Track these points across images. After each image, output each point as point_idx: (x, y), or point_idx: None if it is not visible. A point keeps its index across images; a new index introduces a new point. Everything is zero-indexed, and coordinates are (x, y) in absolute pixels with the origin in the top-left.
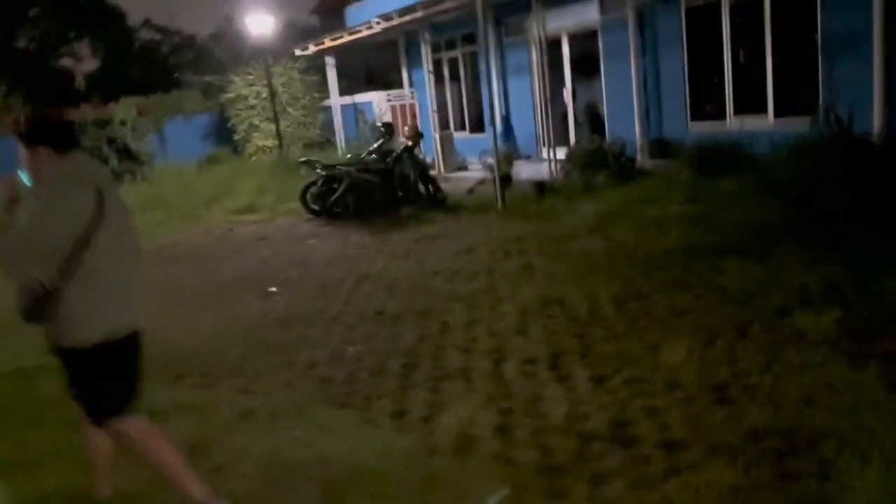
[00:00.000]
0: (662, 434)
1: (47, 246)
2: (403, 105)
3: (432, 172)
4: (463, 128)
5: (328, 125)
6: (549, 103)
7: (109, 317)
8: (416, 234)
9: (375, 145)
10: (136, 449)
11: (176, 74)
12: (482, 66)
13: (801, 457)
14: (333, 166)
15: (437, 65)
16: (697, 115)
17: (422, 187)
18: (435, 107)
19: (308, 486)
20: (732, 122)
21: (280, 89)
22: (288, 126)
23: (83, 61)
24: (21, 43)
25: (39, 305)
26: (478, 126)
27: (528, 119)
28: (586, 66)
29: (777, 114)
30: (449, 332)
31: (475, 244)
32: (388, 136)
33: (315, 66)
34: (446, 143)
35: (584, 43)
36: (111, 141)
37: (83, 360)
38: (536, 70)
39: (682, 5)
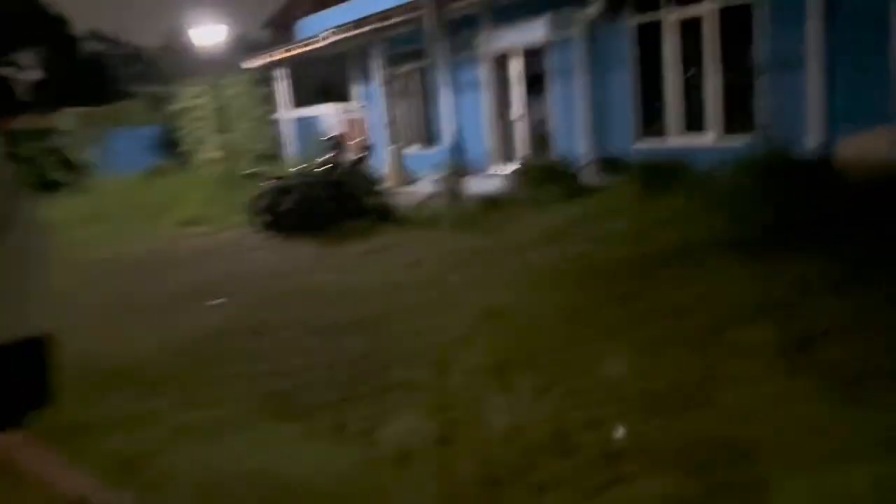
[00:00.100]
0: (603, 445)
1: None
2: (353, 119)
3: (382, 186)
4: (414, 142)
5: (278, 138)
6: (499, 119)
7: None
8: (364, 246)
9: (324, 158)
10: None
11: (121, 86)
12: (433, 82)
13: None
14: (281, 178)
15: (390, 79)
16: (644, 132)
17: (371, 200)
18: (386, 121)
19: (245, 502)
20: (677, 140)
21: (229, 102)
22: (236, 138)
23: (26, 71)
24: None
25: None
26: (429, 141)
27: (479, 134)
28: (536, 83)
29: (719, 132)
30: (393, 343)
31: (423, 257)
32: (337, 150)
33: (266, 78)
34: (397, 157)
35: (534, 60)
36: (52, 151)
37: None
38: (487, 86)
39: (628, 24)
